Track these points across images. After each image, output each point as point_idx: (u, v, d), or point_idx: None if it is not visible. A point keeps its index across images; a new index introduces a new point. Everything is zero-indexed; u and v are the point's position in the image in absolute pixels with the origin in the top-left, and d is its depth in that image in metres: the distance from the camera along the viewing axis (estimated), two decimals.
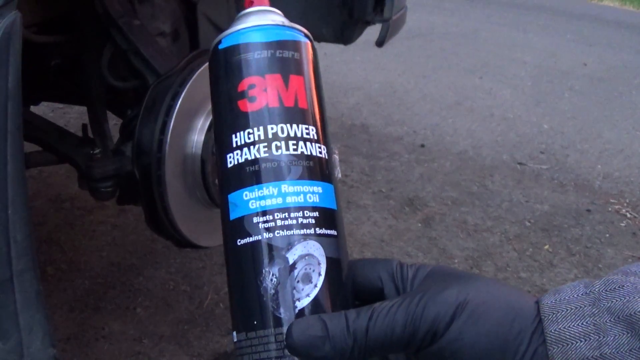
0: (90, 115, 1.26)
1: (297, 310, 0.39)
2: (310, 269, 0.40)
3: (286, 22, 0.46)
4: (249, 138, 0.42)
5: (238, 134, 0.42)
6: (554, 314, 0.38)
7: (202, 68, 1.00)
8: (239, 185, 0.42)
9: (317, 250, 0.40)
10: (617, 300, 0.37)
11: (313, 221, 0.41)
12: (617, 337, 0.36)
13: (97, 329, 1.55)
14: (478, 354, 0.38)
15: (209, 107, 0.80)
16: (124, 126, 1.12)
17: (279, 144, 0.42)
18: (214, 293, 1.73)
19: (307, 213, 0.41)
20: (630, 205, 2.55)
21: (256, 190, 0.41)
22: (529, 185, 2.63)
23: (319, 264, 0.40)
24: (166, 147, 0.96)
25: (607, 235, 2.29)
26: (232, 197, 0.42)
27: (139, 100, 1.03)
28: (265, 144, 0.42)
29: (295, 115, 0.43)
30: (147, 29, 1.14)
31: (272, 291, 0.39)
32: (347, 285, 0.42)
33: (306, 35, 0.46)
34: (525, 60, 4.55)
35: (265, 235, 0.40)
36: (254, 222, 0.41)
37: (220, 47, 0.45)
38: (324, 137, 0.44)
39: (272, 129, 0.42)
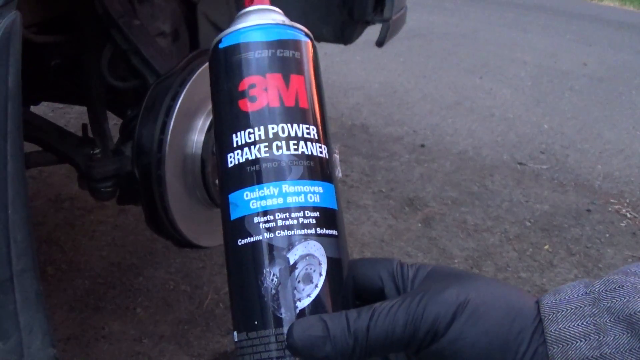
0: (90, 115, 1.26)
1: (297, 311, 0.39)
2: (311, 269, 0.40)
3: (287, 21, 0.46)
4: (249, 138, 0.42)
5: (239, 133, 0.42)
6: (554, 313, 0.38)
7: (202, 68, 1.00)
8: (240, 185, 0.42)
9: (317, 250, 0.40)
10: (617, 300, 0.37)
11: (314, 221, 0.41)
12: (617, 337, 0.36)
13: (97, 329, 1.55)
14: (478, 353, 0.38)
15: (209, 107, 0.80)
16: (124, 126, 1.12)
17: (279, 143, 0.41)
18: (214, 293, 1.73)
19: (308, 213, 0.41)
20: (630, 205, 2.55)
21: (257, 190, 0.41)
22: (529, 185, 2.63)
23: (320, 264, 0.40)
24: (166, 147, 0.96)
25: (607, 235, 2.29)
26: (233, 197, 0.42)
27: (139, 100, 1.03)
28: (266, 143, 0.42)
29: (296, 115, 0.42)
30: (147, 29, 1.14)
31: (273, 291, 0.39)
32: (347, 285, 0.42)
33: (307, 35, 0.46)
34: (525, 60, 4.55)
35: (266, 235, 0.40)
36: (255, 222, 0.40)
37: (221, 46, 0.45)
38: (324, 137, 0.44)
39: (272, 128, 0.42)
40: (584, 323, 0.38)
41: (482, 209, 2.37)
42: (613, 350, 0.36)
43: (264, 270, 0.40)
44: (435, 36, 5.01)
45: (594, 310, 0.38)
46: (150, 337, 1.55)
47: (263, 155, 0.41)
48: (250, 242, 0.40)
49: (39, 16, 1.06)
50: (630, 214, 2.47)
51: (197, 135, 1.01)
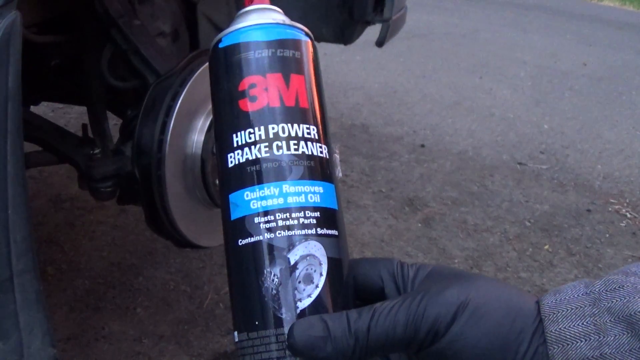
0: (90, 115, 1.26)
1: (298, 311, 0.39)
2: (311, 269, 0.40)
3: (287, 20, 0.45)
4: (250, 138, 0.42)
5: (239, 133, 0.42)
6: (554, 313, 0.38)
7: (202, 68, 1.00)
8: (240, 185, 0.42)
9: (318, 250, 0.40)
10: (617, 301, 0.37)
11: (314, 221, 0.41)
12: (617, 337, 0.36)
13: (97, 329, 1.55)
14: (479, 353, 0.38)
15: (209, 107, 0.80)
16: (124, 126, 1.12)
17: (280, 143, 0.41)
18: (214, 293, 1.73)
19: (308, 213, 0.41)
20: (630, 205, 2.55)
21: (257, 190, 0.41)
22: (529, 185, 2.63)
23: (320, 264, 0.40)
24: (166, 147, 0.96)
25: (607, 235, 2.29)
26: (233, 197, 0.42)
27: (139, 100, 1.03)
28: (267, 143, 0.41)
29: (297, 114, 0.42)
30: (147, 29, 1.14)
31: (274, 291, 0.39)
32: (348, 285, 0.42)
33: (307, 34, 0.46)
34: (525, 60, 4.55)
35: (267, 235, 0.40)
36: (255, 222, 0.40)
37: (221, 45, 0.44)
38: (324, 137, 0.44)
39: (273, 128, 0.42)
40: (584, 323, 0.38)
41: (482, 209, 2.37)
42: (613, 351, 0.36)
43: (265, 271, 0.40)
44: (435, 36, 5.01)
45: (594, 310, 0.38)
46: (150, 337, 1.55)
47: (263, 155, 0.41)
48: (251, 242, 0.40)
49: (39, 16, 1.06)
50: (630, 214, 2.47)
51: (197, 135, 1.01)
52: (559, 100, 3.81)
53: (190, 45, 1.34)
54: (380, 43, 1.54)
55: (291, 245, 0.40)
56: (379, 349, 0.38)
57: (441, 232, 2.18)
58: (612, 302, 0.37)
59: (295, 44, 0.44)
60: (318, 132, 0.43)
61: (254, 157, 0.41)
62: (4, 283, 0.58)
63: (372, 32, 1.60)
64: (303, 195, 0.41)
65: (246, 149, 0.42)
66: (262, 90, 0.42)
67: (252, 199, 0.41)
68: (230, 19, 0.66)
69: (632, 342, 0.36)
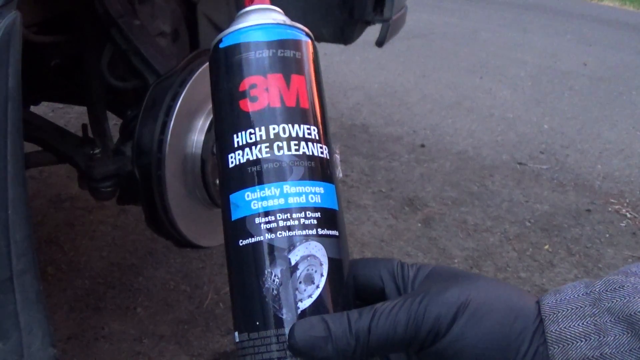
0: (90, 115, 1.26)
1: (299, 311, 0.39)
2: (312, 269, 0.40)
3: (287, 20, 0.45)
4: (250, 138, 0.42)
5: (239, 134, 0.42)
6: (554, 314, 0.38)
7: (202, 68, 1.00)
8: (241, 185, 0.42)
9: (319, 250, 0.40)
10: (617, 301, 0.37)
11: (315, 222, 0.41)
12: (617, 337, 0.36)
13: (97, 329, 1.55)
14: (479, 353, 0.38)
15: (209, 107, 0.80)
16: (124, 126, 1.12)
17: (280, 144, 0.41)
18: (214, 293, 1.73)
19: (309, 214, 0.41)
20: (630, 205, 2.55)
21: (258, 190, 0.41)
22: (529, 185, 2.63)
23: (321, 264, 0.40)
24: (166, 147, 0.96)
25: (607, 235, 2.29)
26: (234, 197, 0.42)
27: (139, 100, 1.03)
28: (267, 144, 0.41)
29: (297, 115, 0.42)
30: (147, 29, 1.14)
31: (274, 292, 0.39)
32: (348, 285, 0.42)
33: (307, 34, 0.46)
34: (525, 60, 4.55)
35: (267, 236, 0.40)
36: (256, 222, 0.40)
37: (221, 46, 0.44)
38: (325, 137, 0.44)
39: (273, 129, 0.42)
40: (585, 323, 0.38)
41: (482, 209, 2.37)
42: (613, 351, 0.36)
43: (265, 271, 0.40)
44: (435, 36, 5.01)
45: (594, 310, 0.38)
46: (150, 337, 1.55)
47: (264, 155, 0.41)
48: (252, 242, 0.40)
49: (39, 16, 1.06)
50: (630, 214, 2.47)
51: (197, 135, 1.01)
52: (559, 100, 3.81)
53: (190, 45, 1.34)
54: (380, 43, 1.54)
55: (292, 245, 0.40)
56: (380, 349, 0.38)
57: (441, 232, 2.18)
58: (612, 302, 0.37)
59: (296, 44, 0.44)
60: (318, 132, 0.43)
61: (254, 157, 0.41)
62: (4, 283, 0.58)
63: (372, 32, 1.60)
64: (304, 195, 0.41)
65: (247, 150, 0.42)
66: (263, 90, 0.42)
67: (253, 200, 0.41)
68: (231, 19, 0.66)
69: (632, 342, 0.36)
